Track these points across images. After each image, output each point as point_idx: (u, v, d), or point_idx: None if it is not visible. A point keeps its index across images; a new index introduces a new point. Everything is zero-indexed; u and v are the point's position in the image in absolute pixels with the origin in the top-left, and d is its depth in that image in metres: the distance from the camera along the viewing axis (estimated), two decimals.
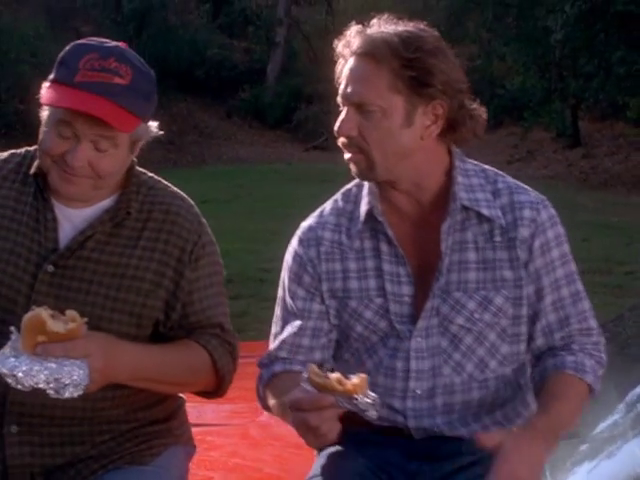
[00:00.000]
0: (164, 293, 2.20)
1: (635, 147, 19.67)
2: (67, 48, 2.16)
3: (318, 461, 2.23)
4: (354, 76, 2.17)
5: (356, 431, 2.17)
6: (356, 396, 1.91)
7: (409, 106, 2.15)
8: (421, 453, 2.20)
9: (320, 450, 2.24)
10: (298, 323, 2.28)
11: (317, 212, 2.37)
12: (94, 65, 2.09)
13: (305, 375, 1.95)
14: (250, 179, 17.48)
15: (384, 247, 2.24)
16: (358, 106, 2.15)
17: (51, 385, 1.90)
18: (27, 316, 1.92)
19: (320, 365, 2.10)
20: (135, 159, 2.28)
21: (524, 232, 2.21)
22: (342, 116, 2.18)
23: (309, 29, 26.38)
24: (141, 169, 2.31)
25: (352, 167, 2.22)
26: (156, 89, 2.21)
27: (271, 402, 2.25)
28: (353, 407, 1.92)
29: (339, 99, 2.20)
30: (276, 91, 24.02)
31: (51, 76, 2.14)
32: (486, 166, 2.33)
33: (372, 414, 1.94)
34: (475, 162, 2.31)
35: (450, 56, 2.20)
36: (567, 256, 2.26)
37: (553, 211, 2.26)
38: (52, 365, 1.90)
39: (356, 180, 2.31)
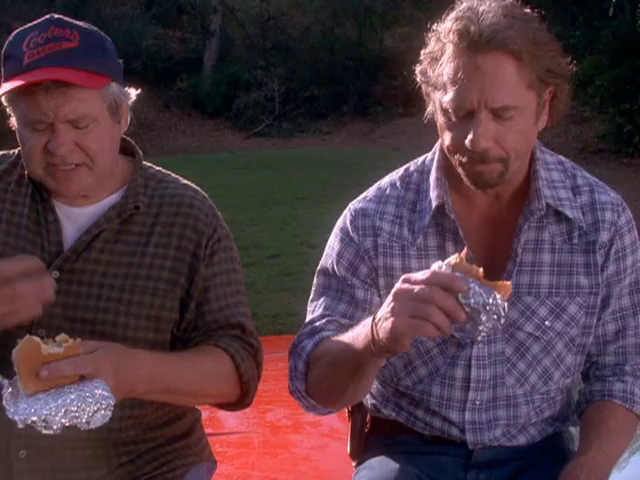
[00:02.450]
0: (181, 292, 2.05)
1: (573, 120, 19.84)
2: (5, 44, 1.99)
3: (359, 473, 2.11)
4: (487, 78, 1.84)
5: (402, 440, 2.06)
6: (498, 295, 1.61)
7: (539, 99, 1.91)
8: (477, 462, 2.10)
9: (359, 462, 2.13)
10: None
11: (372, 193, 2.12)
12: (37, 41, 1.94)
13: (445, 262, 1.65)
14: (195, 169, 17.05)
15: (450, 247, 2.02)
16: (497, 112, 1.86)
17: (80, 419, 1.68)
18: (16, 348, 1.71)
19: None
20: (141, 152, 2.15)
21: (604, 236, 2.03)
22: (479, 129, 1.86)
23: (244, 16, 26.16)
24: (148, 163, 2.17)
25: (477, 178, 1.94)
26: (110, 43, 2.04)
27: (328, 354, 1.92)
28: (474, 314, 1.60)
29: (452, 105, 1.88)
30: (214, 80, 23.77)
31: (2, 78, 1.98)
32: (562, 157, 2.13)
33: (481, 334, 1.62)
34: (551, 152, 2.11)
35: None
36: (637, 264, 2.09)
37: (630, 214, 2.09)
38: (72, 396, 1.69)
39: (416, 163, 2.12)
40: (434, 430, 2.11)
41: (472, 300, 1.60)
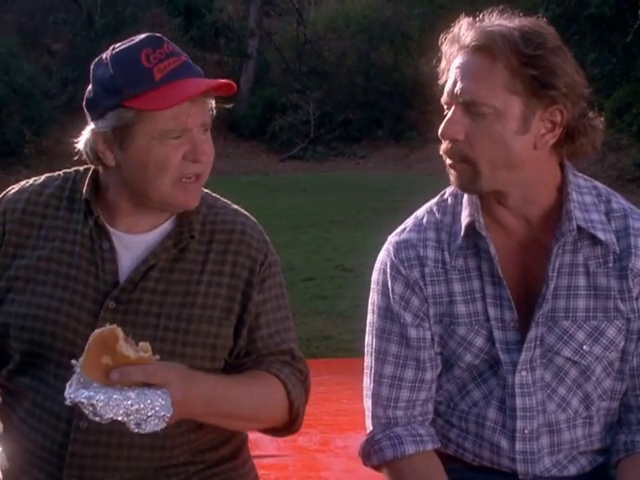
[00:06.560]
0: (235, 319, 2.04)
1: (609, 147, 19.67)
2: (112, 66, 1.93)
3: None
4: (465, 72, 1.94)
5: (451, 468, 2.05)
6: None
7: (527, 110, 1.92)
8: None
9: None
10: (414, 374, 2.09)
11: (410, 224, 2.13)
12: (158, 57, 1.92)
13: None
14: (229, 191, 17.07)
15: (485, 266, 2.03)
16: (468, 106, 1.93)
17: (132, 417, 1.70)
18: (98, 331, 1.74)
19: None
20: None
21: (638, 263, 2.00)
22: (448, 116, 1.96)
23: (281, 40, 26.28)
24: None
25: (452, 177, 2.00)
26: None
27: None
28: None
29: (444, 98, 1.99)
30: (250, 102, 23.87)
31: (117, 101, 1.91)
32: (597, 183, 2.12)
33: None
34: (586, 177, 2.10)
35: (571, 57, 1.96)
36: None
37: None
38: (131, 394, 1.71)
39: (450, 189, 2.11)
40: (483, 461, 2.09)
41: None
